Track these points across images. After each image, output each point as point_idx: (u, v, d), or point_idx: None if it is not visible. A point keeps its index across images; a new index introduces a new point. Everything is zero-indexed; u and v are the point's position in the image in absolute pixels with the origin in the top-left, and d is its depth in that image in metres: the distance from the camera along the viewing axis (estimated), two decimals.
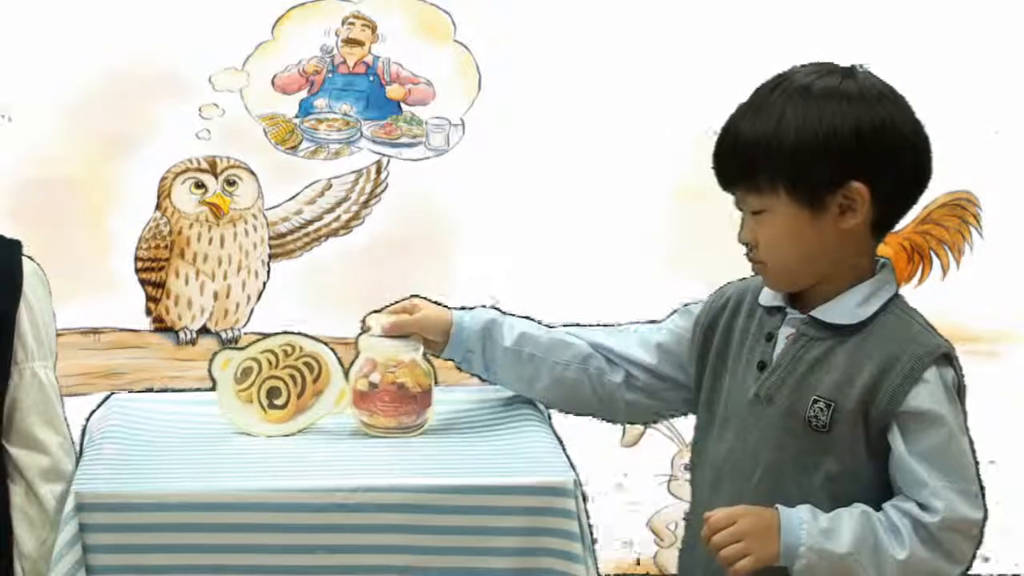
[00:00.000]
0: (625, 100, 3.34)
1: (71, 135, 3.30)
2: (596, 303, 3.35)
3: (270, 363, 2.25)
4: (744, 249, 1.97)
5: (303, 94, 3.41)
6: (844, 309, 1.92)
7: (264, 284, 3.40)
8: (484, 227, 3.38)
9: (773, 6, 3.34)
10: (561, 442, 2.18)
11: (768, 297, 2.00)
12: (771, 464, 1.93)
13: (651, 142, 3.35)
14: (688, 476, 3.42)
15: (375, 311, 2.26)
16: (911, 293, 3.43)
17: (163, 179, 3.34)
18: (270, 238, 3.40)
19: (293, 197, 3.42)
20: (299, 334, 2.28)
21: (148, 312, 3.38)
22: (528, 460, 2.10)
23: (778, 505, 1.88)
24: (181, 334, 3.37)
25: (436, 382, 2.25)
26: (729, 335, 2.03)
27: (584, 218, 3.37)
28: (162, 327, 3.38)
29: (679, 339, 2.11)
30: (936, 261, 3.44)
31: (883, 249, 3.45)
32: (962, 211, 3.43)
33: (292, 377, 2.24)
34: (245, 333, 3.38)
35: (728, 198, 2.01)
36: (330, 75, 3.42)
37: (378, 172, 3.43)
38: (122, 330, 3.36)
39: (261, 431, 2.22)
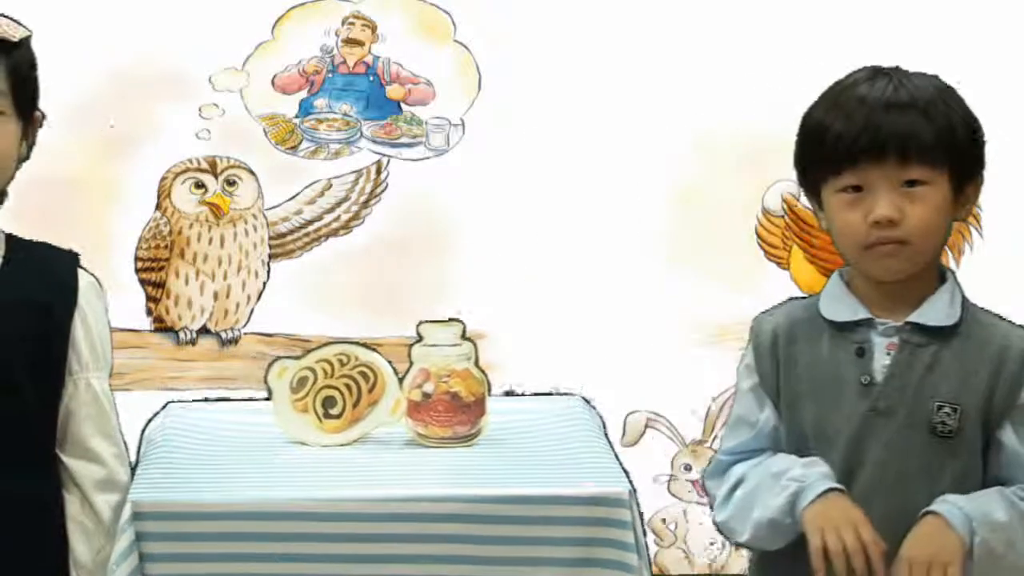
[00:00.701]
0: (625, 100, 3.34)
1: (71, 135, 3.29)
2: (596, 302, 3.36)
3: (325, 372, 2.26)
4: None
5: (303, 94, 3.41)
6: (939, 311, 1.95)
7: (264, 284, 3.40)
8: (484, 227, 3.37)
9: (771, 10, 3.34)
10: (615, 452, 2.17)
11: (843, 310, 1.98)
12: (897, 476, 1.92)
13: (651, 142, 3.34)
14: (688, 476, 3.43)
15: (427, 321, 2.26)
16: None
17: (163, 179, 3.34)
18: (270, 238, 3.40)
19: (293, 197, 3.42)
20: (354, 343, 2.28)
21: (148, 312, 3.38)
22: (583, 470, 2.10)
23: (925, 510, 1.88)
24: (181, 334, 3.37)
25: (490, 391, 2.24)
26: (792, 365, 2.01)
27: (583, 218, 3.37)
28: (162, 327, 3.38)
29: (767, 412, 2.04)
30: None
31: None
32: None
33: (348, 387, 2.25)
34: (245, 333, 3.38)
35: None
36: (330, 75, 3.42)
37: (378, 172, 3.43)
38: (122, 330, 3.35)
39: (317, 441, 2.23)
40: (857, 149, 1.92)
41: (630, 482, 2.05)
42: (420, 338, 2.25)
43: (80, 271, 2.06)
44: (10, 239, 2.06)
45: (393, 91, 3.42)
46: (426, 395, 2.21)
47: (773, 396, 2.01)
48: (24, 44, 2.01)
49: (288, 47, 3.37)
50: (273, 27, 3.36)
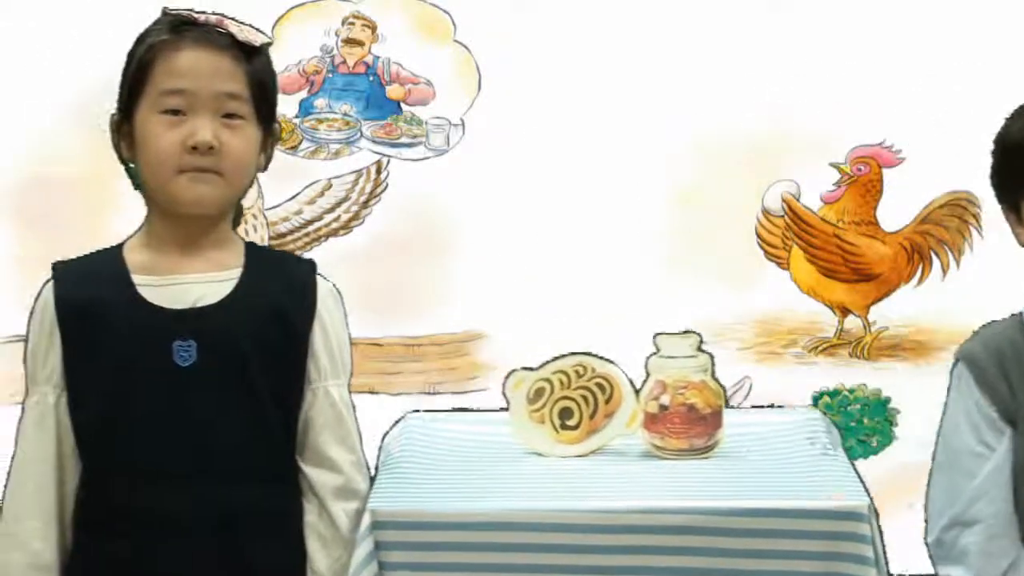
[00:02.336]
0: (625, 101, 3.34)
1: (71, 135, 3.30)
2: (596, 303, 3.36)
3: (562, 384, 2.26)
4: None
5: (303, 94, 3.41)
6: None
7: None
8: (484, 227, 3.38)
9: (772, 12, 3.34)
10: (854, 465, 2.16)
11: None
12: None
13: (651, 143, 3.35)
14: None
15: (663, 332, 2.26)
16: (911, 293, 3.46)
17: None
18: (270, 238, 3.40)
19: (293, 197, 3.42)
20: (590, 354, 2.28)
21: None
22: (822, 483, 2.07)
23: None
24: None
25: (727, 403, 2.24)
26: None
27: (583, 218, 3.37)
28: None
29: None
30: (936, 261, 3.45)
31: (883, 249, 3.48)
32: (962, 211, 3.43)
33: (584, 398, 2.25)
34: None
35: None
36: (330, 75, 3.42)
37: (378, 172, 3.44)
38: None
39: (553, 452, 2.23)
40: None
41: (869, 496, 2.02)
42: (657, 350, 2.25)
43: (319, 278, 2.04)
44: (249, 248, 2.05)
45: (393, 91, 3.42)
46: (663, 407, 2.21)
47: (1015, 419, 1.97)
48: (264, 52, 2.02)
49: (288, 47, 3.37)
50: (273, 27, 3.36)
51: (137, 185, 2.00)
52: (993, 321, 2.07)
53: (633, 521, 1.99)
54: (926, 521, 2.05)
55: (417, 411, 2.42)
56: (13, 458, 1.97)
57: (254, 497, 1.96)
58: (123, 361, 1.93)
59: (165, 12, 1.98)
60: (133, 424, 1.93)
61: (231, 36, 1.95)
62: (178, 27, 1.96)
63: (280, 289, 2.00)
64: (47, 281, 1.98)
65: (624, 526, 1.98)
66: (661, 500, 2.02)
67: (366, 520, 1.98)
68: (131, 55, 1.99)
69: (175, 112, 1.93)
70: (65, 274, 2.00)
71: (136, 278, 1.96)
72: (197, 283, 1.97)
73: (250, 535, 1.96)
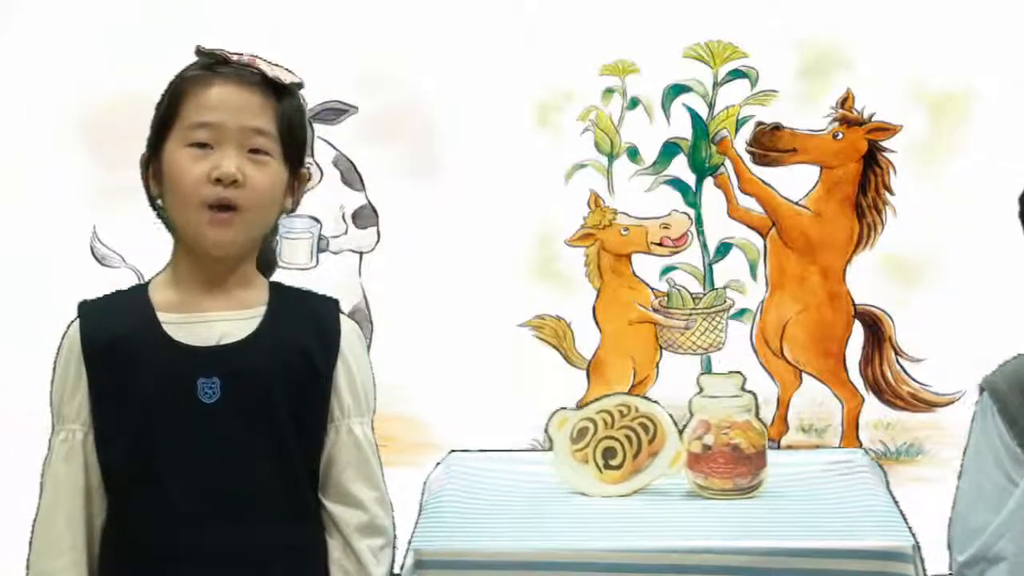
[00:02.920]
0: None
1: (72, 135, 3.30)
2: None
3: (606, 423, 2.28)
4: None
5: None
6: None
7: None
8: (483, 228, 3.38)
9: (771, 13, 3.34)
10: (898, 504, 2.17)
11: None
12: None
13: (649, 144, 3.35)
14: None
15: (707, 372, 2.27)
16: (910, 301, 3.44)
17: None
18: None
19: None
20: (634, 395, 2.29)
21: None
22: (865, 523, 2.09)
23: None
24: None
25: (770, 443, 2.25)
26: None
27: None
28: None
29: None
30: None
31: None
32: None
33: (628, 438, 2.26)
34: None
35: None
36: None
37: None
38: None
39: (597, 491, 2.25)
40: None
41: (913, 536, 2.04)
42: (700, 389, 2.27)
43: (342, 317, 2.05)
44: (272, 287, 2.04)
45: None
46: (706, 447, 2.23)
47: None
48: (295, 92, 2.00)
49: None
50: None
51: (165, 222, 2.00)
52: (1021, 353, 2.02)
53: (676, 561, 2.00)
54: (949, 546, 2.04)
55: (460, 451, 2.44)
56: (41, 494, 1.98)
57: (278, 533, 1.97)
58: (148, 398, 1.94)
59: (199, 51, 1.97)
60: (158, 460, 1.94)
61: (262, 74, 1.95)
62: (210, 65, 1.96)
63: (304, 327, 2.01)
64: (73, 319, 1.98)
65: (667, 566, 2.00)
66: (705, 540, 2.04)
67: (409, 560, 2.00)
68: (163, 94, 1.98)
69: (202, 145, 1.93)
70: (91, 312, 2.00)
71: (161, 315, 1.97)
72: (222, 321, 1.97)
73: (274, 571, 1.96)
